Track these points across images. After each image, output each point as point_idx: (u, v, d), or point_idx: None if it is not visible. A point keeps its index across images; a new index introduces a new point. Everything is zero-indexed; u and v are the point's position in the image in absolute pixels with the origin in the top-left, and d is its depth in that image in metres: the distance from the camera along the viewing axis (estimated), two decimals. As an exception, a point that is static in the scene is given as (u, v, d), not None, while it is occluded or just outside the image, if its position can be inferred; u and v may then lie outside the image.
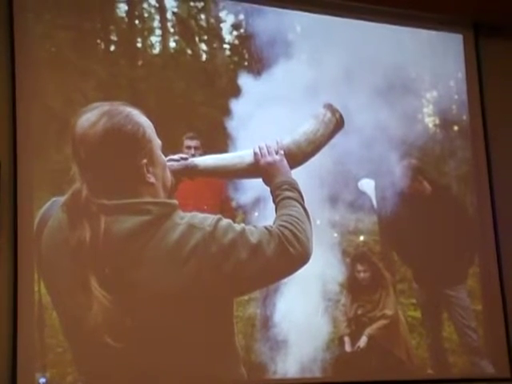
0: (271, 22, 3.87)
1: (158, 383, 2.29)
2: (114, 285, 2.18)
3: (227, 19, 3.90)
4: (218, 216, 2.24)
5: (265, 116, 3.64)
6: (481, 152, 4.24)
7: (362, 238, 3.94)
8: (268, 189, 2.46)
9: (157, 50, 3.78)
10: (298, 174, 2.51)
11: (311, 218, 2.37)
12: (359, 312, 3.81)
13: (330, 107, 2.62)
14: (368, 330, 3.78)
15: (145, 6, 3.75)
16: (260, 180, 2.51)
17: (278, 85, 3.78)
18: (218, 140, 3.67)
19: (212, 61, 3.86)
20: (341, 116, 2.62)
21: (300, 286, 3.52)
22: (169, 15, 3.81)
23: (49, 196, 2.54)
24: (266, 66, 3.81)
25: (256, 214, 3.61)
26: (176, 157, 2.47)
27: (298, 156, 2.55)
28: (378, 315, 3.82)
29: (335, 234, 3.85)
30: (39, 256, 2.40)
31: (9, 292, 3.16)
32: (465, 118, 4.28)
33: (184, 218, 2.22)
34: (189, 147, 3.62)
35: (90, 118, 2.21)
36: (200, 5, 3.90)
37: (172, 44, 3.82)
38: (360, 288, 3.84)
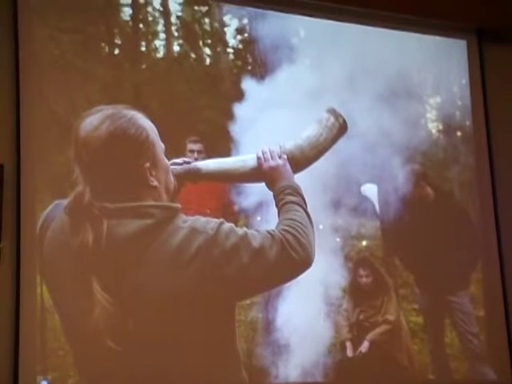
0: (275, 26, 3.88)
1: (160, 387, 2.29)
2: (116, 288, 2.17)
3: (231, 23, 3.91)
4: (221, 220, 2.23)
5: (268, 120, 3.64)
6: (484, 158, 4.24)
7: (364, 242, 3.94)
8: (270, 193, 2.46)
9: (161, 53, 3.79)
10: (301, 179, 2.51)
11: (314, 223, 2.37)
12: (361, 317, 3.81)
13: (333, 112, 2.62)
14: (370, 335, 3.78)
15: (149, 9, 3.76)
16: (263, 184, 2.51)
17: (282, 89, 3.79)
18: (221, 144, 3.68)
19: (216, 65, 3.87)
20: (344, 121, 2.62)
21: (302, 290, 3.52)
22: (173, 19, 3.82)
23: (51, 199, 2.55)
24: (269, 71, 3.82)
25: (258, 218, 3.61)
26: (179, 160, 2.47)
27: (301, 160, 2.54)
28: (379, 320, 3.82)
29: (338, 239, 3.85)
30: (41, 259, 2.40)
31: (11, 295, 3.17)
32: (468, 123, 4.28)
33: (186, 221, 2.22)
34: (192, 151, 3.62)
35: (93, 121, 2.21)
36: (204, 9, 3.91)
37: (176, 48, 3.83)
38: (362, 293, 3.84)
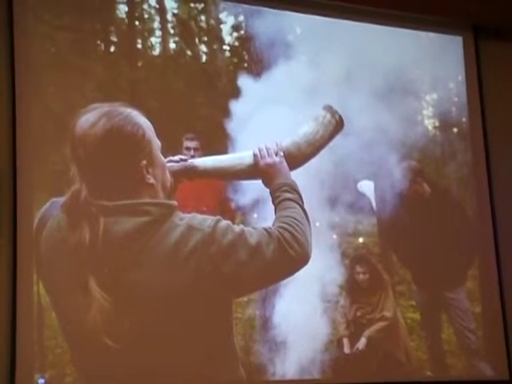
0: (271, 23, 3.87)
1: (157, 384, 2.29)
2: (113, 286, 2.17)
3: (227, 21, 3.91)
4: (218, 217, 2.23)
5: (264, 117, 3.64)
6: (480, 154, 4.24)
7: (361, 239, 3.95)
8: (267, 190, 2.46)
9: (157, 51, 3.79)
10: (298, 176, 2.51)
11: (311, 220, 2.37)
12: (358, 314, 3.81)
13: (329, 109, 2.62)
14: (367, 332, 3.78)
15: (145, 7, 3.76)
16: (259, 181, 2.51)
17: (278, 86, 3.78)
18: (218, 141, 3.68)
19: (212, 62, 3.87)
20: (340, 118, 2.61)
21: (299, 287, 3.52)
22: (169, 16, 3.81)
23: (48, 197, 2.54)
24: (265, 68, 3.82)
25: (255, 215, 3.61)
26: (175, 158, 2.47)
27: (297, 158, 2.54)
28: (377, 317, 3.82)
29: (334, 236, 3.85)
30: (38, 257, 2.40)
31: (8, 293, 3.16)
32: (464, 120, 4.28)
33: (183, 219, 2.22)
34: (188, 148, 3.62)
35: (90, 118, 2.21)
36: (200, 6, 3.90)
37: (172, 45, 3.83)
38: (359, 290, 3.84)
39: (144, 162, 2.22)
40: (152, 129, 2.29)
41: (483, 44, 4.35)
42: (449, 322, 4.01)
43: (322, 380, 3.64)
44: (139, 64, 3.73)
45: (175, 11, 3.83)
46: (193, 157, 3.19)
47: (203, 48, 3.90)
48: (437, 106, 4.32)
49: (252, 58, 3.85)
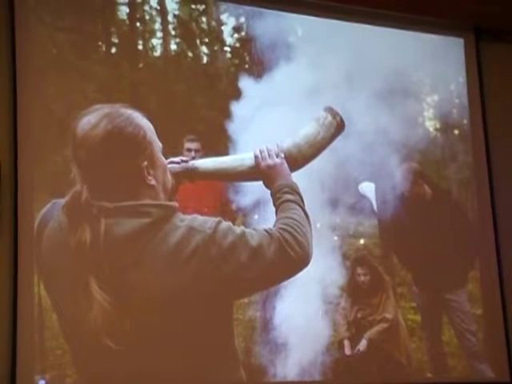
0: (272, 25, 3.87)
1: (158, 386, 2.29)
2: (114, 287, 2.18)
3: (228, 22, 3.91)
4: (218, 219, 2.24)
5: (265, 119, 3.64)
6: (481, 156, 4.24)
7: (362, 241, 3.94)
8: (268, 191, 2.46)
9: (158, 52, 3.78)
10: (299, 177, 2.51)
11: (311, 221, 2.37)
12: (359, 315, 3.81)
13: (330, 110, 2.62)
14: (368, 334, 3.78)
15: (146, 8, 3.76)
16: (260, 183, 2.51)
17: (279, 88, 3.78)
18: (219, 143, 3.67)
19: (213, 63, 3.87)
20: (341, 119, 2.62)
21: (300, 289, 3.52)
22: (170, 18, 3.81)
23: (49, 198, 2.54)
24: (266, 69, 3.81)
25: (256, 216, 3.61)
26: (176, 159, 2.47)
27: (298, 159, 2.55)
28: (377, 319, 3.82)
29: (335, 237, 3.85)
30: (39, 258, 2.40)
31: (9, 294, 3.16)
32: (465, 121, 4.28)
33: (184, 220, 2.22)
34: (189, 150, 3.62)
35: (91, 120, 2.21)
36: (201, 7, 3.90)
37: (173, 46, 3.83)
38: (360, 291, 3.84)
39: (145, 163, 2.22)
40: (153, 130, 2.29)
41: (484, 46, 4.35)
42: (449, 323, 4.00)
43: (323, 382, 3.63)
44: (140, 65, 3.73)
45: (176, 12, 3.83)
46: (194, 158, 3.18)
47: (204, 49, 3.90)
48: (438, 107, 4.31)
49: (253, 59, 3.85)
